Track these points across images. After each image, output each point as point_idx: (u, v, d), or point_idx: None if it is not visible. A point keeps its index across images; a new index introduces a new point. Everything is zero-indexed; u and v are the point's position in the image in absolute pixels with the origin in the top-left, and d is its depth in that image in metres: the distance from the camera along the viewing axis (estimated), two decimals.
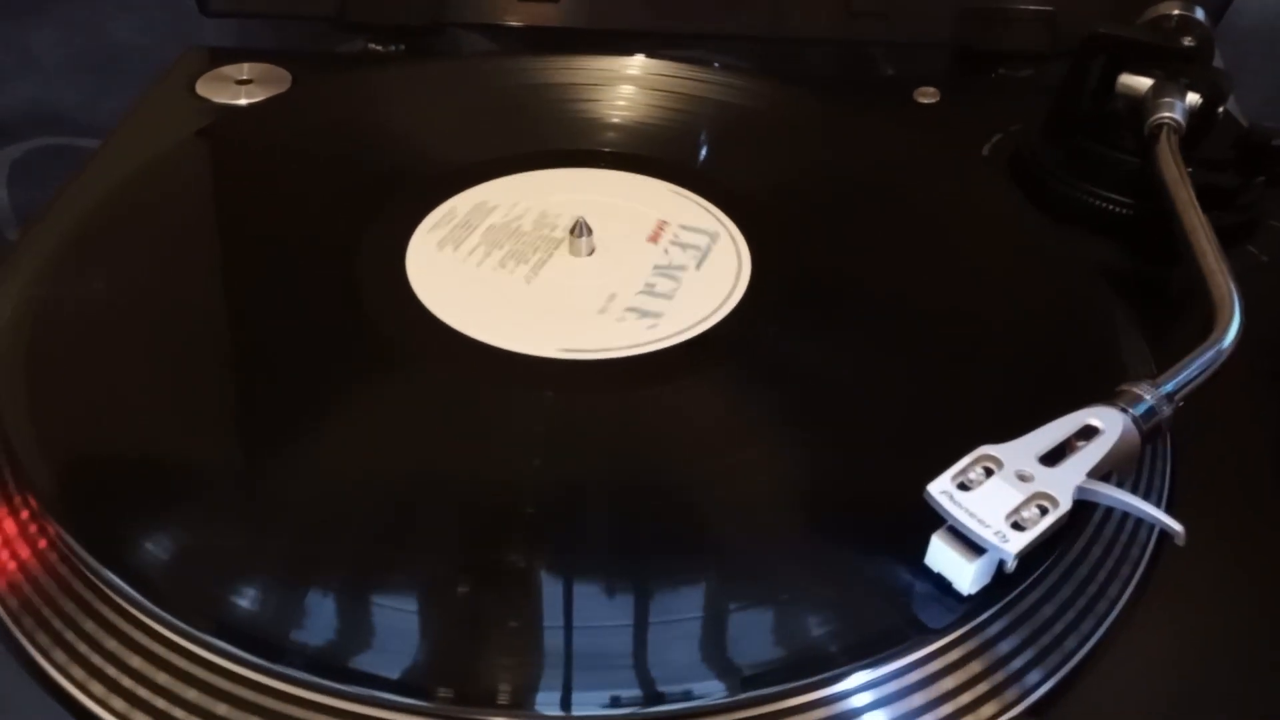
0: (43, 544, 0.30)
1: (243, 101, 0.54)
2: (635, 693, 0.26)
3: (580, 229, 0.40)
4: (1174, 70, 0.47)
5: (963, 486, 0.28)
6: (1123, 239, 0.46)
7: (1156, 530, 0.32)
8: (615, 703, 0.26)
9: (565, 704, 0.26)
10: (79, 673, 0.28)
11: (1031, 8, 0.61)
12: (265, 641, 0.27)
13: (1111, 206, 0.47)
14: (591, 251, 0.40)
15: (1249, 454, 0.36)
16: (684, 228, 0.42)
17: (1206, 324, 0.35)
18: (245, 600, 0.28)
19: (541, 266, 0.40)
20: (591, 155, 0.46)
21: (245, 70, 0.56)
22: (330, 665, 0.26)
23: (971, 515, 0.27)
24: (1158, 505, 0.33)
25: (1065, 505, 0.27)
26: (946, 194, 0.46)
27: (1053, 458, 0.28)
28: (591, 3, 0.61)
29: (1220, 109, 0.46)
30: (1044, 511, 0.27)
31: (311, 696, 0.26)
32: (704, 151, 0.48)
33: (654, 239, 0.41)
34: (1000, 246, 0.43)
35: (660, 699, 0.26)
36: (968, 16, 0.61)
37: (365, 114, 0.50)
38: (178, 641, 0.27)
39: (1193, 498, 0.34)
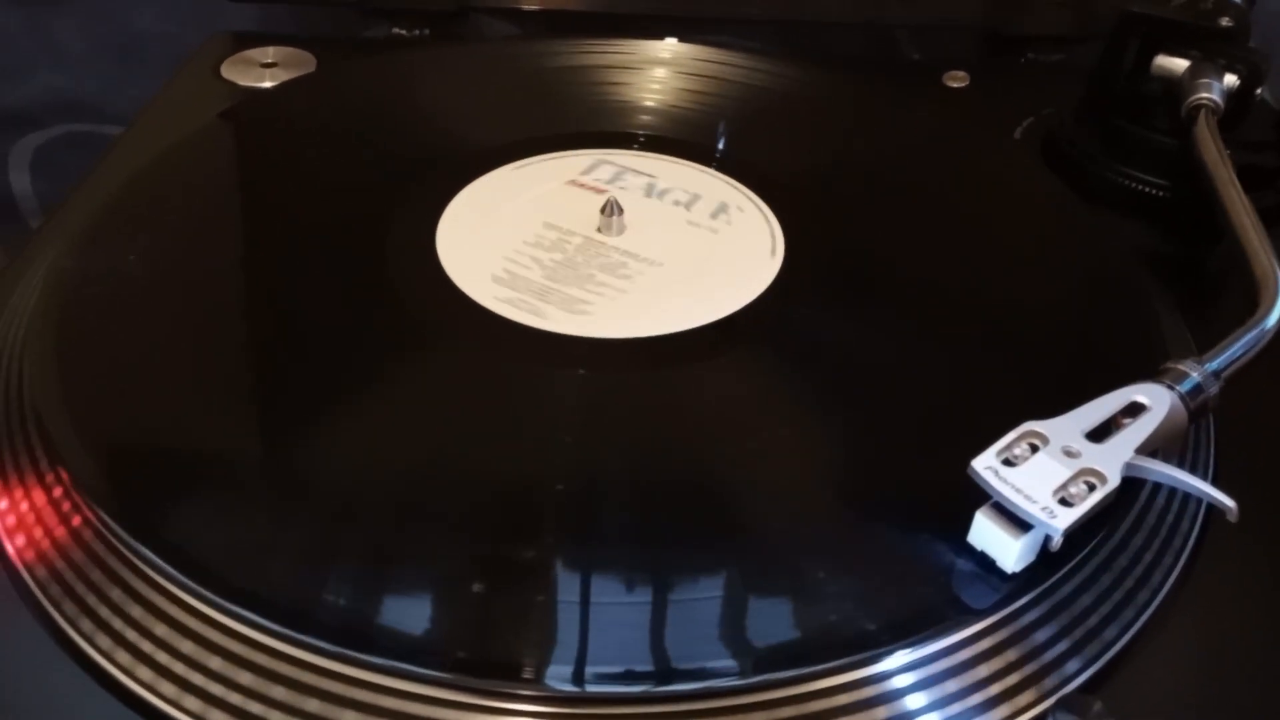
0: (76, 521, 0.30)
1: (268, 84, 0.53)
2: (680, 669, 0.26)
3: (611, 208, 0.40)
4: (1211, 51, 0.46)
5: (1008, 462, 0.27)
6: (1158, 221, 0.45)
7: (1203, 510, 0.32)
8: (662, 678, 0.25)
9: (621, 679, 0.26)
10: (125, 657, 0.27)
11: None
12: (294, 613, 0.27)
13: (1147, 189, 0.46)
14: (623, 231, 0.40)
15: None
16: (710, 210, 0.42)
17: (1250, 303, 0.34)
18: (275, 574, 0.28)
19: (588, 252, 0.39)
20: (623, 138, 0.46)
21: (270, 54, 0.55)
22: (369, 640, 0.26)
23: (1018, 491, 0.26)
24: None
25: (1114, 481, 0.27)
26: (981, 176, 0.45)
27: (1098, 435, 0.28)
28: None
29: (1259, 90, 0.46)
30: (1092, 488, 0.26)
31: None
32: (733, 134, 0.47)
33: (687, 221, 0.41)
34: (1038, 227, 0.42)
35: (705, 675, 0.25)
36: (996, 0, 0.60)
37: (390, 95, 0.50)
38: (233, 626, 0.27)
39: (1237, 479, 0.33)
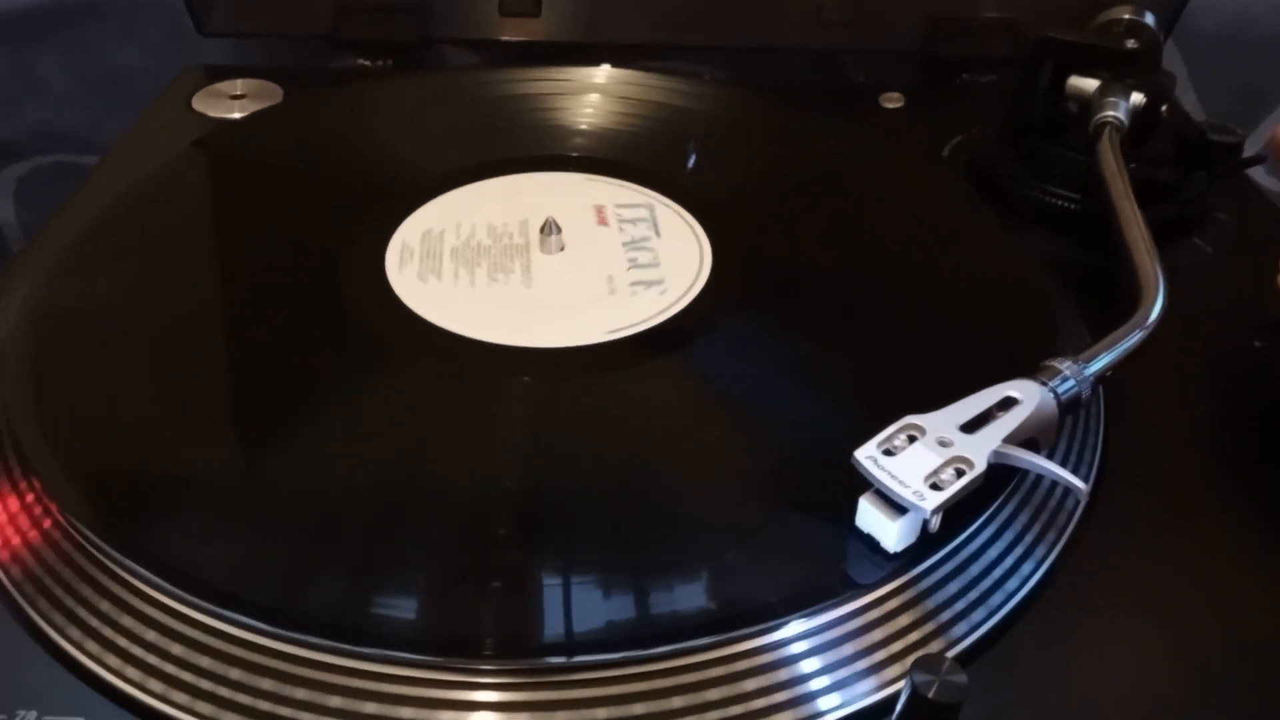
0: (47, 524, 0.32)
1: (236, 115, 0.56)
2: (601, 642, 0.28)
3: (550, 228, 0.42)
4: (1122, 72, 0.49)
5: (888, 452, 0.30)
6: (1077, 234, 0.48)
7: (1083, 502, 0.34)
8: (582, 651, 0.28)
9: (539, 652, 0.28)
10: (114, 661, 0.30)
11: (994, 16, 0.63)
12: (270, 606, 0.29)
13: (1061, 202, 0.49)
14: (562, 248, 0.43)
15: (1178, 432, 0.38)
16: (621, 205, 0.45)
17: (1132, 305, 0.37)
18: (235, 570, 0.30)
19: (529, 271, 0.42)
20: (555, 160, 0.49)
21: (239, 86, 0.58)
22: (339, 628, 0.29)
23: (893, 477, 0.29)
24: (1087, 476, 0.35)
25: (980, 467, 0.29)
26: (897, 190, 0.48)
27: (974, 426, 0.31)
28: (574, 17, 0.64)
29: (1164, 107, 0.49)
30: (960, 473, 0.29)
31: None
32: (666, 155, 0.51)
33: (602, 222, 0.45)
34: (948, 237, 0.45)
35: (627, 645, 0.28)
36: (933, 25, 0.63)
37: (345, 125, 0.53)
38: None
39: (1123, 470, 0.36)
